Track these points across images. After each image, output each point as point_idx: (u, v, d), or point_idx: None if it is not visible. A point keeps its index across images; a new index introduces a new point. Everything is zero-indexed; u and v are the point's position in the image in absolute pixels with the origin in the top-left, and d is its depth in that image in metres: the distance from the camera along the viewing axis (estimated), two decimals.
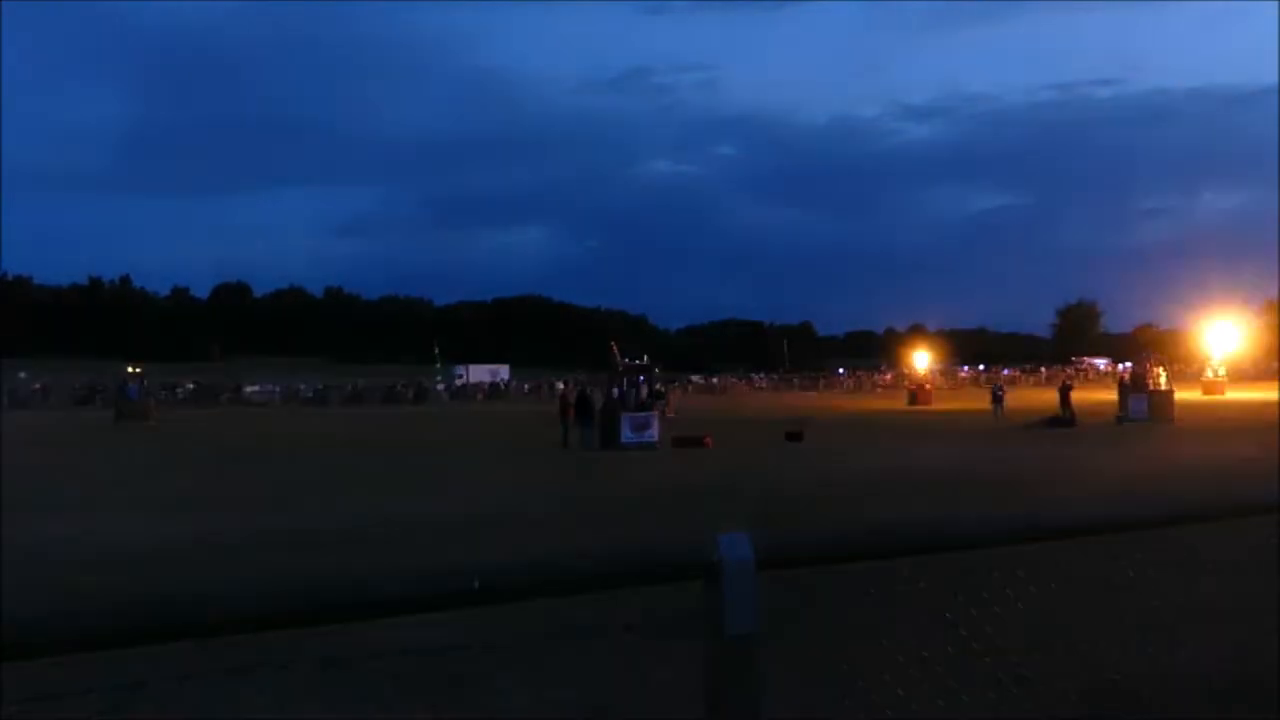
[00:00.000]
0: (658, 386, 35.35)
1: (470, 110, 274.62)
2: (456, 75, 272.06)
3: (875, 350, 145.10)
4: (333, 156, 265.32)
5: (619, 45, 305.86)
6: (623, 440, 28.68)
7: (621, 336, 48.53)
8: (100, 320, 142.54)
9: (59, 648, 1.70)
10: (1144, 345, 67.55)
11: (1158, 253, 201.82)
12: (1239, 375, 68.37)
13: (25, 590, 8.12)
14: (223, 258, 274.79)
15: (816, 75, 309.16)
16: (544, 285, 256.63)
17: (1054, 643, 3.51)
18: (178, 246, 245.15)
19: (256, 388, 79.98)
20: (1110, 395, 42.73)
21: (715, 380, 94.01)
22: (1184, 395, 42.17)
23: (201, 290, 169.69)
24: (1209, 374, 61.65)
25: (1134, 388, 39.29)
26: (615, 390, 31.66)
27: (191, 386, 78.94)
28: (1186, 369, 66.78)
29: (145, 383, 58.18)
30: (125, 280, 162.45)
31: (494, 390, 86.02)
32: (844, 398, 71.81)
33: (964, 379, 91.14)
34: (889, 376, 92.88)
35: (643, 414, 30.09)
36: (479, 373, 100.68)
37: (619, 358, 34.05)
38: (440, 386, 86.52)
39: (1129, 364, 49.98)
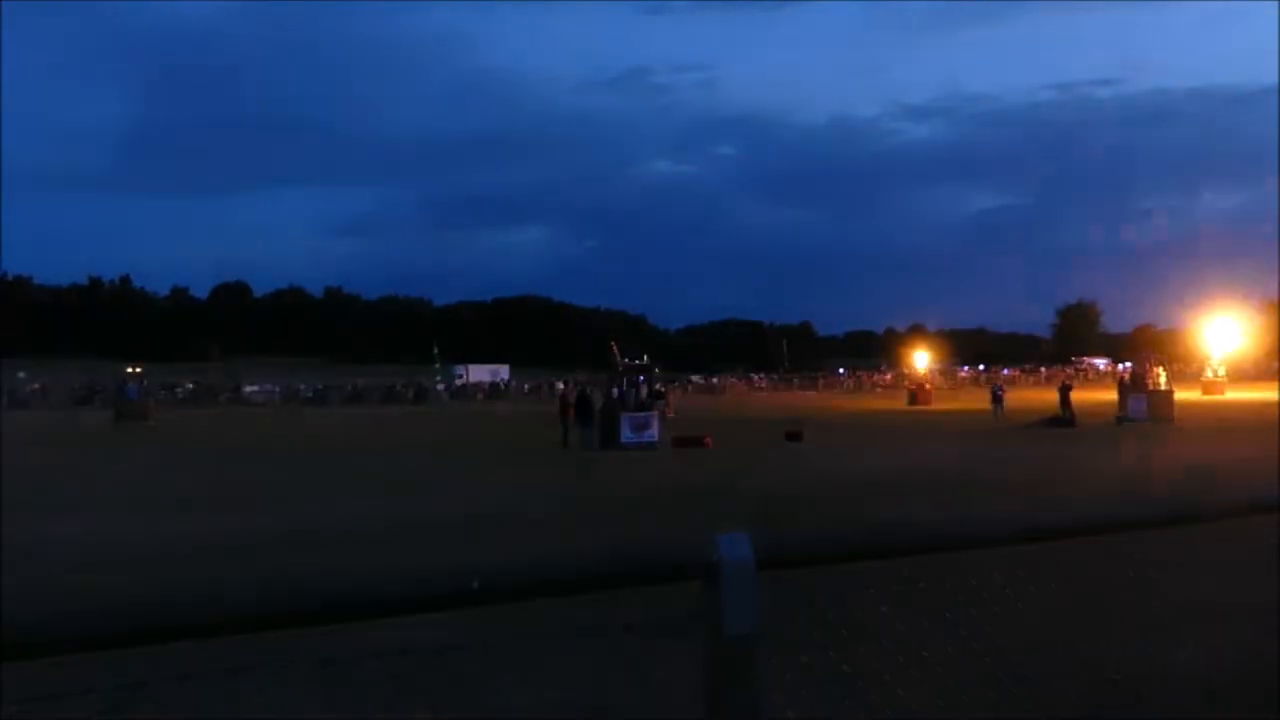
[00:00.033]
0: (658, 386, 35.36)
1: (470, 110, 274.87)
2: (456, 75, 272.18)
3: (875, 350, 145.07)
4: (332, 156, 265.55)
5: (618, 45, 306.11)
6: (622, 440, 28.69)
7: (621, 336, 48.54)
8: (100, 320, 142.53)
9: (59, 648, 1.70)
10: (1144, 345, 67.66)
11: (1158, 252, 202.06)
12: (1239, 375, 68.40)
13: (25, 590, 8.13)
14: (222, 258, 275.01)
15: (816, 75, 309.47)
16: (544, 285, 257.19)
17: (1054, 643, 3.51)
18: (177, 246, 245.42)
19: (256, 388, 79.99)
20: (1110, 395, 42.74)
21: (715, 380, 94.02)
22: (1184, 395, 42.18)
23: (201, 290, 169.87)
24: (1209, 374, 61.67)
25: (1134, 388, 39.30)
26: (615, 390, 31.67)
27: (191, 386, 78.94)
28: (1186, 369, 66.79)
29: (145, 383, 58.20)
30: (125, 280, 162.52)
31: (494, 390, 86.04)
32: (844, 398, 71.83)
33: (964, 379, 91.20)
34: (889, 376, 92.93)
35: (642, 414, 30.10)
36: (479, 373, 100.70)
37: (619, 358, 34.06)
38: (440, 386, 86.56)
39: (1129, 364, 49.99)
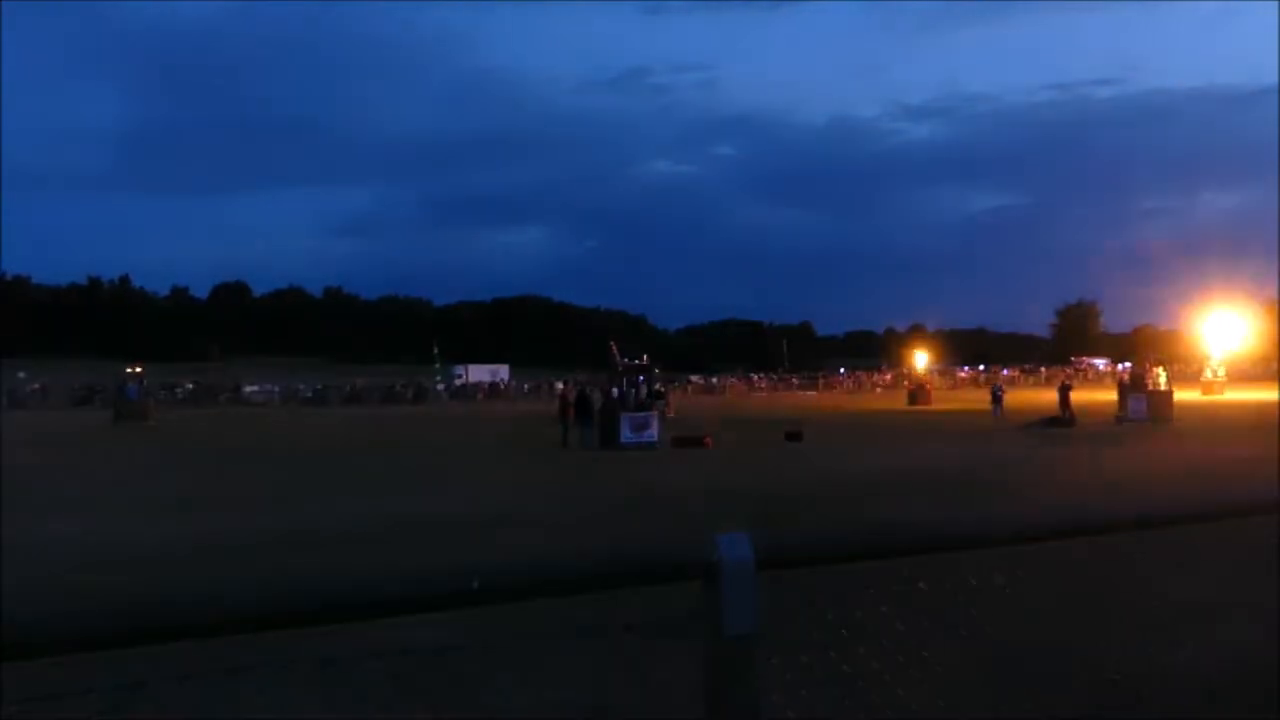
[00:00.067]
0: (657, 386, 35.37)
1: (470, 110, 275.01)
2: (456, 75, 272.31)
3: (875, 350, 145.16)
4: (332, 156, 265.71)
5: (618, 45, 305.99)
6: (622, 440, 28.69)
7: (621, 336, 48.55)
8: (99, 320, 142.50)
9: (59, 648, 1.70)
10: (1143, 345, 67.66)
11: (1157, 253, 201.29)
12: (1239, 375, 68.41)
13: (25, 590, 8.12)
14: (222, 257, 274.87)
15: (815, 75, 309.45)
16: (544, 285, 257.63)
17: (1054, 643, 3.51)
18: (177, 246, 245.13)
19: (256, 388, 79.96)
20: (1109, 395, 42.74)
21: (715, 380, 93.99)
22: (1183, 395, 42.17)
23: (201, 290, 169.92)
24: (1208, 374, 61.69)
25: (1133, 388, 39.29)
26: (615, 390, 31.67)
27: (190, 386, 78.91)
28: (1186, 369, 66.78)
29: (144, 383, 58.19)
30: (124, 280, 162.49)
31: (494, 390, 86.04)
32: (844, 398, 71.85)
33: (964, 379, 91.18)
34: (888, 376, 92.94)
35: (642, 414, 30.10)
36: (478, 373, 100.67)
37: (619, 358, 34.07)
38: (440, 386, 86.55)
39: (1128, 364, 50.02)
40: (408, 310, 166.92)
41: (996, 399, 41.00)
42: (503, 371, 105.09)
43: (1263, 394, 49.88)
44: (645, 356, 35.79)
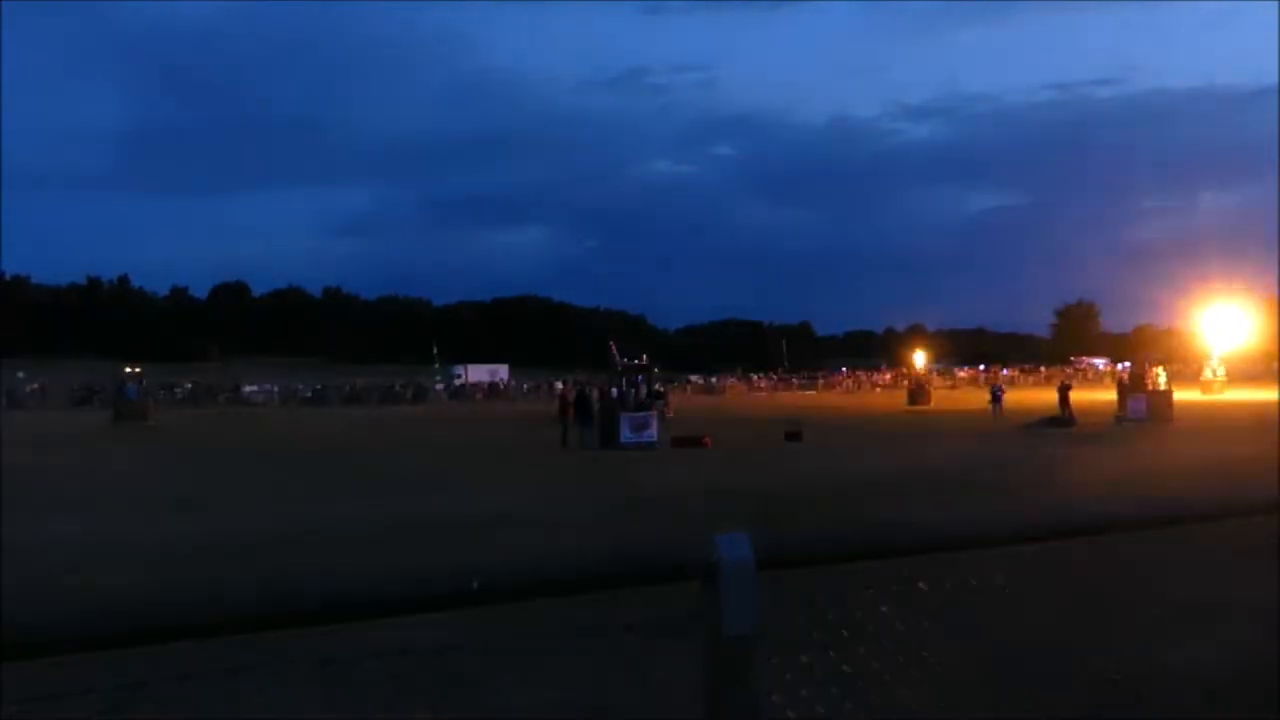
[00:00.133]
0: (657, 386, 35.38)
1: (470, 110, 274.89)
2: (456, 75, 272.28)
3: (875, 350, 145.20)
4: (332, 156, 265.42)
5: (617, 45, 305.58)
6: (622, 440, 28.69)
7: (621, 336, 48.59)
8: (99, 320, 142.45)
9: (59, 648, 1.70)
10: (1143, 345, 67.65)
11: (1157, 252, 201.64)
12: (1238, 375, 68.39)
13: (25, 590, 8.12)
14: (221, 258, 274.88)
15: (815, 75, 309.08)
16: (543, 285, 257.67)
17: (1054, 643, 3.51)
18: (176, 246, 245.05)
19: (255, 388, 79.93)
20: (1109, 395, 42.75)
21: (714, 380, 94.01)
22: (1183, 395, 42.17)
23: (200, 290, 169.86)
24: (1208, 374, 61.70)
25: (1133, 388, 39.31)
26: (614, 390, 31.68)
27: (190, 386, 78.89)
28: (1185, 369, 66.79)
29: (144, 383, 58.19)
30: (124, 280, 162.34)
31: (493, 390, 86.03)
32: (843, 398, 71.87)
33: (963, 379, 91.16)
34: (888, 376, 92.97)
35: (642, 414, 30.11)
36: (478, 373, 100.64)
37: (618, 357, 34.10)
38: (439, 386, 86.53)
39: (1128, 364, 50.03)
40: (407, 310, 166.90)
41: (996, 399, 41.00)
42: (502, 371, 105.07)
43: (1263, 394, 49.88)
44: (645, 356, 35.84)
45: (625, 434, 28.92)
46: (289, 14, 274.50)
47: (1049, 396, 43.12)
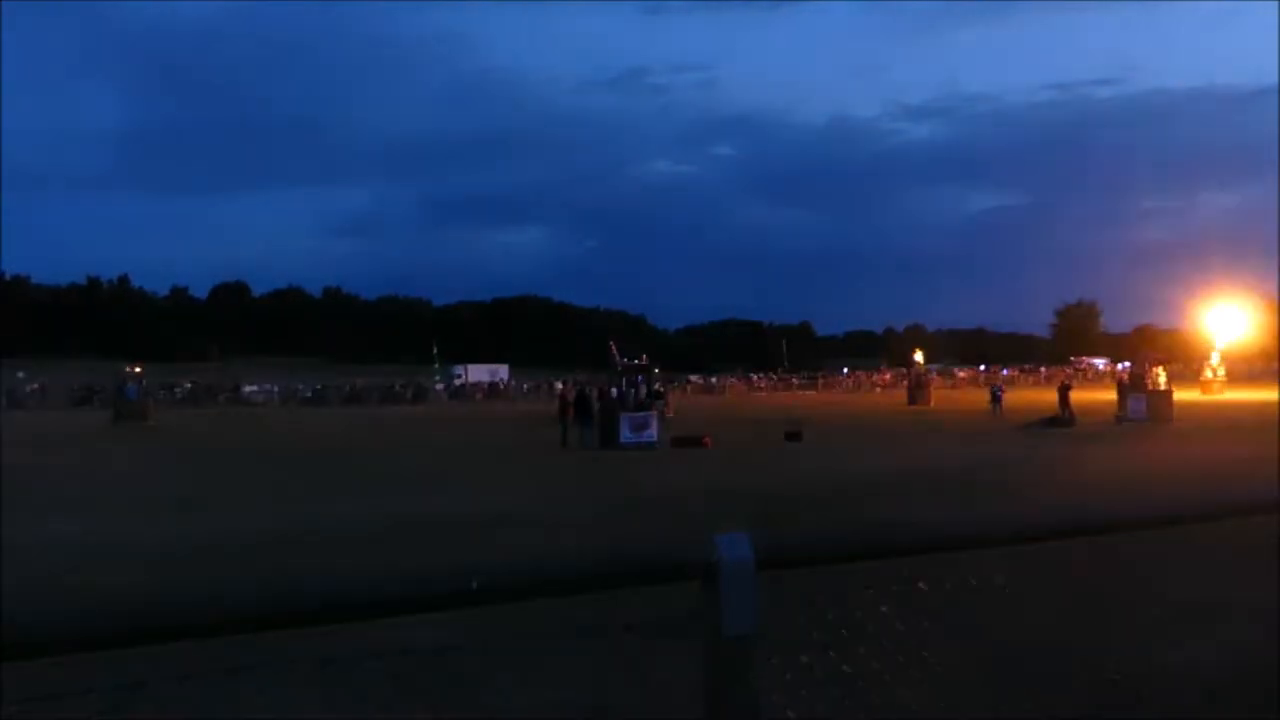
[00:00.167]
0: (657, 386, 35.37)
1: (470, 110, 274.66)
2: (456, 75, 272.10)
3: (875, 350, 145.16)
4: (332, 156, 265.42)
5: (618, 45, 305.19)
6: (622, 440, 28.70)
7: (621, 336, 48.59)
8: (99, 320, 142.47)
9: (59, 648, 1.70)
10: (1143, 345, 67.65)
11: (1157, 252, 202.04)
12: (1238, 376, 68.41)
13: (25, 590, 8.11)
14: (221, 257, 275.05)
15: (815, 75, 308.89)
16: (543, 285, 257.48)
17: (1054, 643, 3.51)
18: (176, 246, 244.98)
19: (255, 388, 79.92)
20: (1109, 395, 42.75)
21: (714, 380, 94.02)
22: (1183, 395, 42.18)
23: (200, 290, 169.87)
24: (1208, 374, 61.71)
25: (1133, 388, 39.31)
26: (614, 390, 31.68)
27: (189, 386, 78.89)
28: (1186, 369, 66.80)
29: (143, 383, 58.16)
30: (124, 280, 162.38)
31: (493, 390, 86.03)
32: (843, 397, 71.89)
33: (963, 379, 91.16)
34: (888, 376, 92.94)
35: (642, 414, 30.11)
36: (478, 373, 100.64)
37: (618, 357, 34.10)
38: (439, 386, 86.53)
39: (1128, 364, 50.04)
40: (407, 310, 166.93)
41: (996, 399, 41.01)
42: (502, 371, 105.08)
43: (1263, 394, 49.89)
44: (645, 356, 35.82)
45: (625, 434, 28.93)
46: (289, 14, 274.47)
47: (1049, 396, 43.13)
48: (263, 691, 2.26)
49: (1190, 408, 40.16)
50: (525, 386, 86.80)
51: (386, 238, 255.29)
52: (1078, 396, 39.12)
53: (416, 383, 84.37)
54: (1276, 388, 49.89)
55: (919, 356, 71.79)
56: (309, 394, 76.81)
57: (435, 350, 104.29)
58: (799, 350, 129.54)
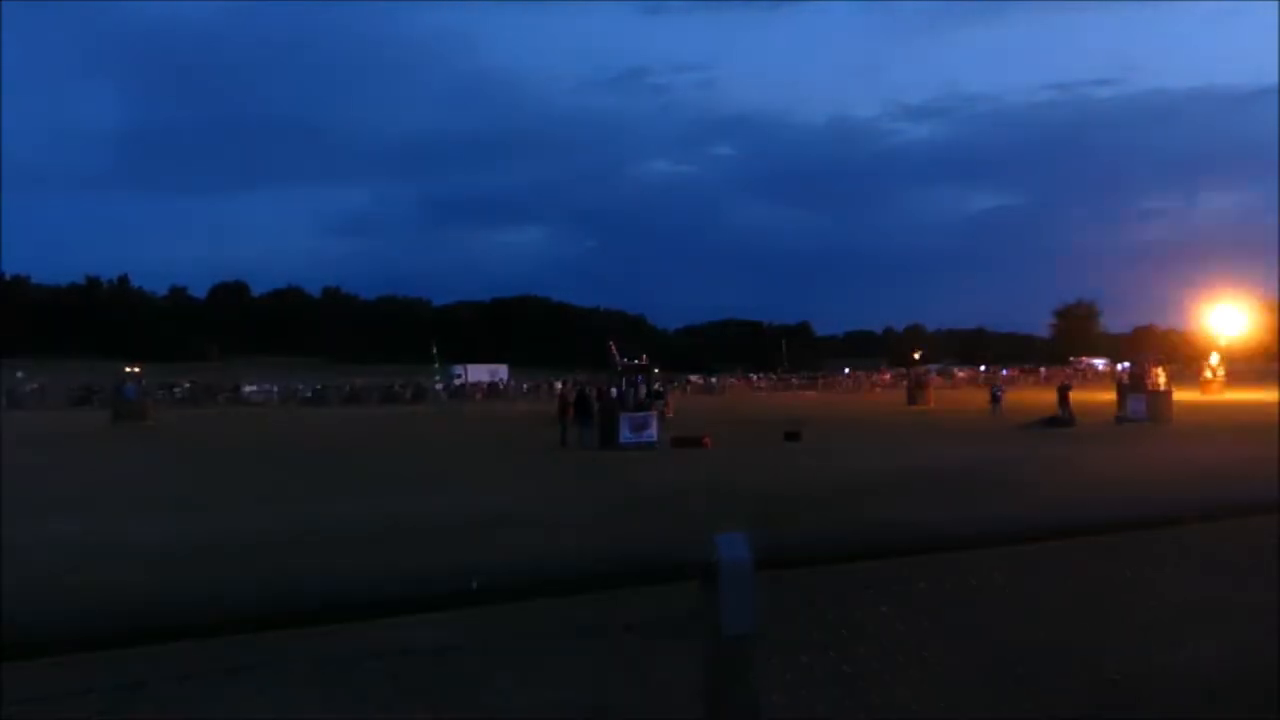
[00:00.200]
0: (656, 386, 35.37)
1: (470, 110, 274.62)
2: (456, 75, 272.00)
3: (874, 350, 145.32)
4: (331, 156, 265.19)
5: (617, 45, 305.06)
6: (621, 440, 28.69)
7: (620, 336, 48.58)
8: (98, 320, 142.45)
9: (59, 648, 1.70)
10: (1143, 345, 67.64)
11: (1157, 253, 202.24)
12: (1238, 376, 68.41)
13: (25, 590, 8.12)
14: (221, 257, 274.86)
15: (815, 75, 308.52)
16: (543, 285, 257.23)
17: (1054, 643, 3.51)
18: (176, 246, 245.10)
19: (254, 388, 79.90)
20: (1109, 395, 42.75)
21: (714, 380, 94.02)
22: (1183, 396, 42.17)
23: (199, 290, 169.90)
24: (1208, 375, 61.72)
25: (1133, 388, 39.31)
26: (614, 390, 31.68)
27: (189, 386, 78.89)
28: (1185, 369, 66.80)
29: (143, 383, 58.16)
30: (123, 280, 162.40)
31: (492, 390, 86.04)
32: (843, 397, 71.90)
33: (963, 379, 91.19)
34: (888, 376, 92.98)
35: (641, 414, 30.09)
36: (477, 372, 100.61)
37: (617, 357, 34.09)
38: (439, 386, 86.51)
39: (1128, 364, 50.02)
40: (406, 310, 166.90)
41: (995, 399, 41.01)
42: (502, 371, 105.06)
43: (1262, 394, 49.89)
44: (644, 356, 35.79)
45: (625, 434, 28.92)
46: (289, 14, 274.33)
47: (1049, 397, 43.12)
48: (262, 691, 2.26)
49: (1190, 408, 40.16)
50: (525, 386, 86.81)
51: (386, 237, 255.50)
52: (1077, 396, 39.10)
53: (416, 383, 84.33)
54: (1276, 388, 49.90)
55: (918, 356, 71.87)
56: (308, 394, 76.78)
57: (435, 350, 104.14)
58: (799, 350, 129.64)
